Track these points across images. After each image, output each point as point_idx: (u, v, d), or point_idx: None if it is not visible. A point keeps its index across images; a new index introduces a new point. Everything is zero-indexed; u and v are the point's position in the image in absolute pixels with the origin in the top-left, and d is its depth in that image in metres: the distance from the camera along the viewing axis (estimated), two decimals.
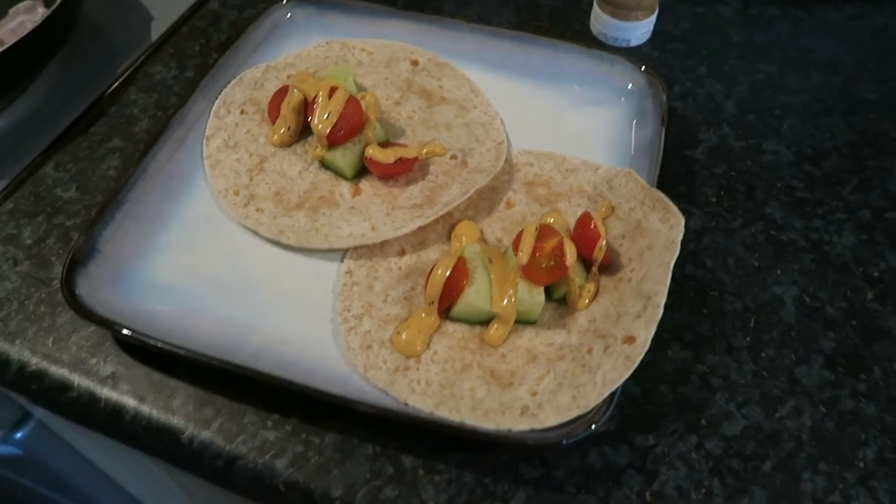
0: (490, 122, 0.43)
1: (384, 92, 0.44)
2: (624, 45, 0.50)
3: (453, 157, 0.41)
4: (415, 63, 0.46)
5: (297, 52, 0.47)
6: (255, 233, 0.38)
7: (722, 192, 0.41)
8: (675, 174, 0.42)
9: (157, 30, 0.52)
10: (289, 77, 0.44)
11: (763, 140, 0.44)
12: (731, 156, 0.43)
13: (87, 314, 0.33)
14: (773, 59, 0.49)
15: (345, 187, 0.40)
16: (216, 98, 0.44)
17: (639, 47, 0.50)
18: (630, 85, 0.44)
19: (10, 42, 0.43)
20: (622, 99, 0.44)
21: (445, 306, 0.34)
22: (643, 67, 0.44)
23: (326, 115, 0.38)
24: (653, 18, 0.49)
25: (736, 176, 0.42)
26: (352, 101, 0.39)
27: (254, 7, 0.52)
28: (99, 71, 0.49)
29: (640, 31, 0.49)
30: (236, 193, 0.39)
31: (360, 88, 0.44)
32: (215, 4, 0.53)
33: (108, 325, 0.33)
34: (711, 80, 0.48)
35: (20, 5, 0.50)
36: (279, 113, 0.41)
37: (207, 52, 0.49)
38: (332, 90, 0.39)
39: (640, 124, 0.43)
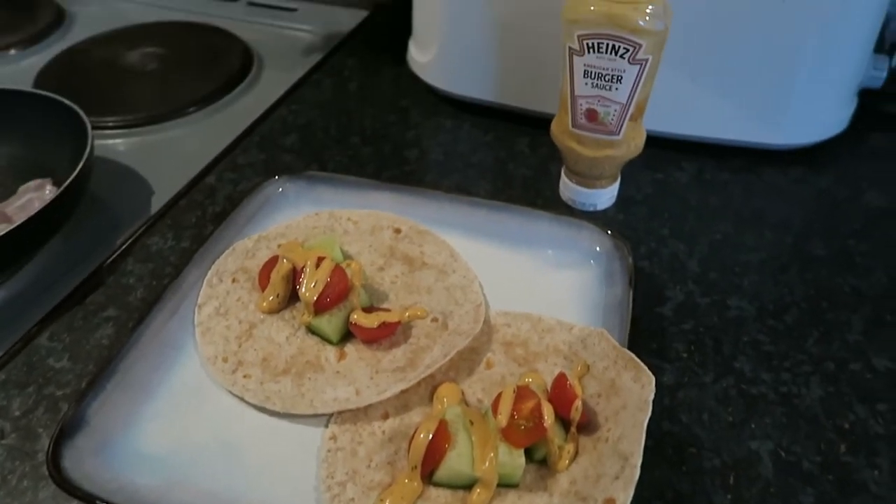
0: (469, 285, 0.45)
1: (369, 258, 0.47)
2: (591, 209, 0.54)
3: (434, 319, 0.43)
4: (397, 231, 0.49)
5: (288, 223, 0.50)
6: (242, 399, 0.39)
7: (692, 348, 0.43)
8: (646, 331, 0.44)
9: (157, 203, 0.55)
10: (279, 246, 0.47)
11: (727, 296, 0.47)
12: (697, 312, 0.46)
13: (71, 490, 0.33)
14: (728, 219, 0.53)
15: (330, 352, 0.41)
16: (209, 268, 0.46)
17: (605, 211, 0.54)
18: (598, 247, 0.47)
19: (18, 219, 0.46)
20: (591, 261, 0.47)
21: (428, 471, 0.35)
22: (609, 232, 0.47)
23: (313, 283, 0.41)
24: (616, 185, 0.53)
25: (704, 331, 0.44)
26: (338, 270, 0.42)
27: (248, 181, 0.57)
28: (100, 242, 0.52)
29: (605, 196, 0.53)
30: (225, 360, 0.41)
31: (346, 256, 0.47)
32: (212, 179, 0.57)
33: (91, 501, 0.33)
34: (674, 240, 0.51)
35: (30, 183, 0.54)
36: (269, 281, 0.44)
37: (203, 223, 0.53)
38: (320, 260, 0.42)
39: (609, 284, 0.45)
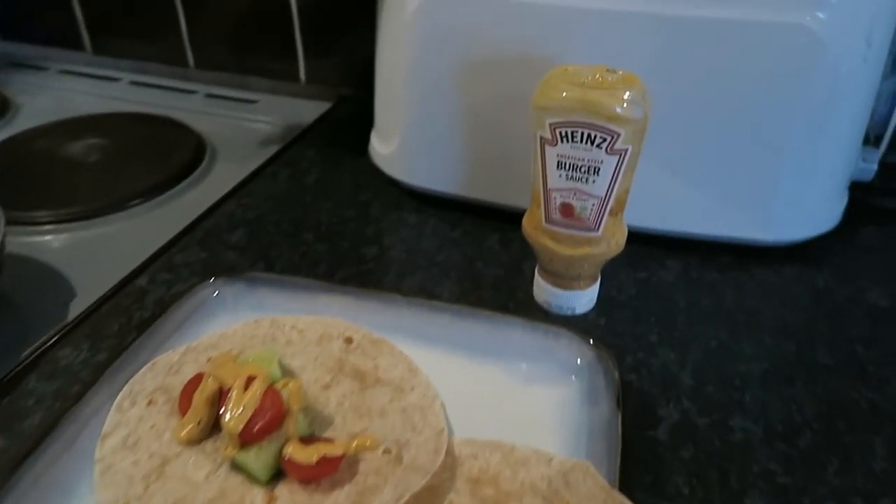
0: (429, 405, 0.38)
1: (313, 374, 0.41)
2: (569, 313, 0.48)
3: (386, 451, 0.36)
4: (349, 341, 0.43)
5: (222, 332, 0.44)
6: None
7: (694, 481, 0.37)
8: (639, 459, 0.37)
9: (78, 307, 0.48)
10: (208, 360, 0.40)
11: (728, 415, 0.40)
12: (696, 435, 0.39)
13: None
14: (722, 323, 0.47)
15: (257, 495, 0.34)
16: (124, 386, 0.39)
17: (585, 315, 0.48)
18: (579, 359, 0.41)
19: None
20: (572, 376, 0.41)
21: None
22: (591, 341, 0.41)
23: (239, 410, 0.34)
24: (596, 286, 0.48)
25: (706, 459, 0.38)
26: (271, 393, 0.35)
27: (184, 282, 0.50)
28: (4, 355, 0.44)
29: (584, 298, 0.48)
30: None
31: (287, 371, 0.40)
32: (143, 281, 0.51)
33: None
34: (664, 348, 0.45)
35: None
36: (191, 404, 0.37)
37: (127, 331, 0.46)
38: (250, 380, 0.35)
39: (593, 402, 0.39)
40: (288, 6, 0.78)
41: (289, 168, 0.67)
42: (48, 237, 0.58)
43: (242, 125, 0.77)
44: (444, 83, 0.53)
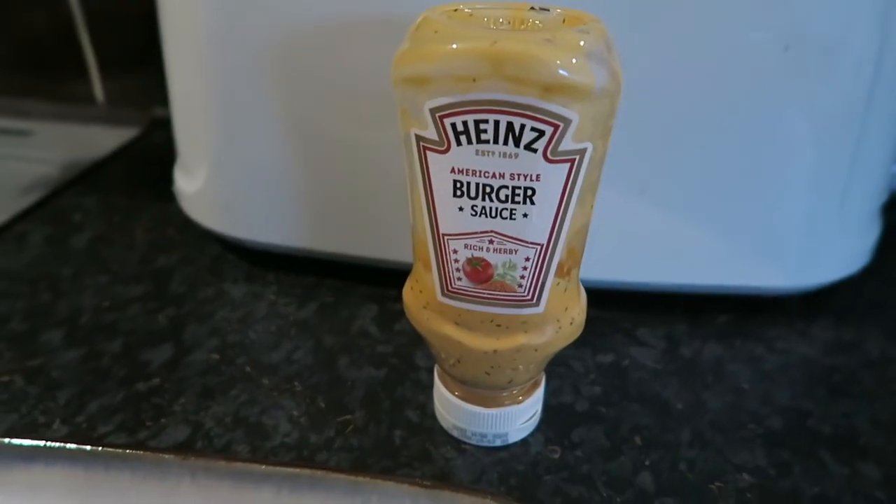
0: None
1: None
2: (498, 444, 0.28)
3: None
4: None
5: None
6: None
7: None
8: None
9: None
10: None
11: None
12: None
13: None
14: (754, 440, 0.28)
15: None
16: None
17: (525, 445, 0.28)
18: None
19: None
20: None
21: None
22: None
23: None
24: (539, 394, 0.28)
25: None
26: None
27: None
28: None
29: (520, 418, 0.28)
30: None
31: None
32: None
33: None
34: (670, 500, 0.25)
35: None
36: None
37: None
38: None
39: None
40: (67, 7, 0.55)
41: (50, 226, 0.43)
42: None
43: (2, 165, 0.53)
44: (265, 67, 0.32)
